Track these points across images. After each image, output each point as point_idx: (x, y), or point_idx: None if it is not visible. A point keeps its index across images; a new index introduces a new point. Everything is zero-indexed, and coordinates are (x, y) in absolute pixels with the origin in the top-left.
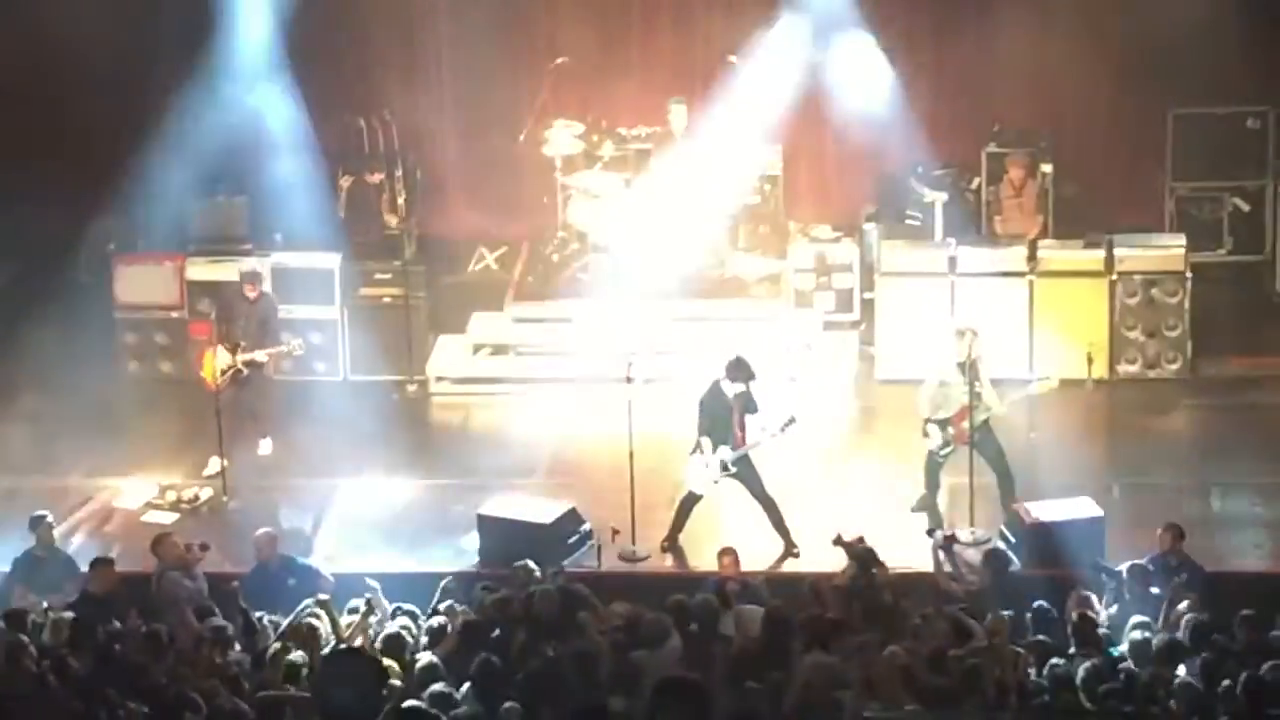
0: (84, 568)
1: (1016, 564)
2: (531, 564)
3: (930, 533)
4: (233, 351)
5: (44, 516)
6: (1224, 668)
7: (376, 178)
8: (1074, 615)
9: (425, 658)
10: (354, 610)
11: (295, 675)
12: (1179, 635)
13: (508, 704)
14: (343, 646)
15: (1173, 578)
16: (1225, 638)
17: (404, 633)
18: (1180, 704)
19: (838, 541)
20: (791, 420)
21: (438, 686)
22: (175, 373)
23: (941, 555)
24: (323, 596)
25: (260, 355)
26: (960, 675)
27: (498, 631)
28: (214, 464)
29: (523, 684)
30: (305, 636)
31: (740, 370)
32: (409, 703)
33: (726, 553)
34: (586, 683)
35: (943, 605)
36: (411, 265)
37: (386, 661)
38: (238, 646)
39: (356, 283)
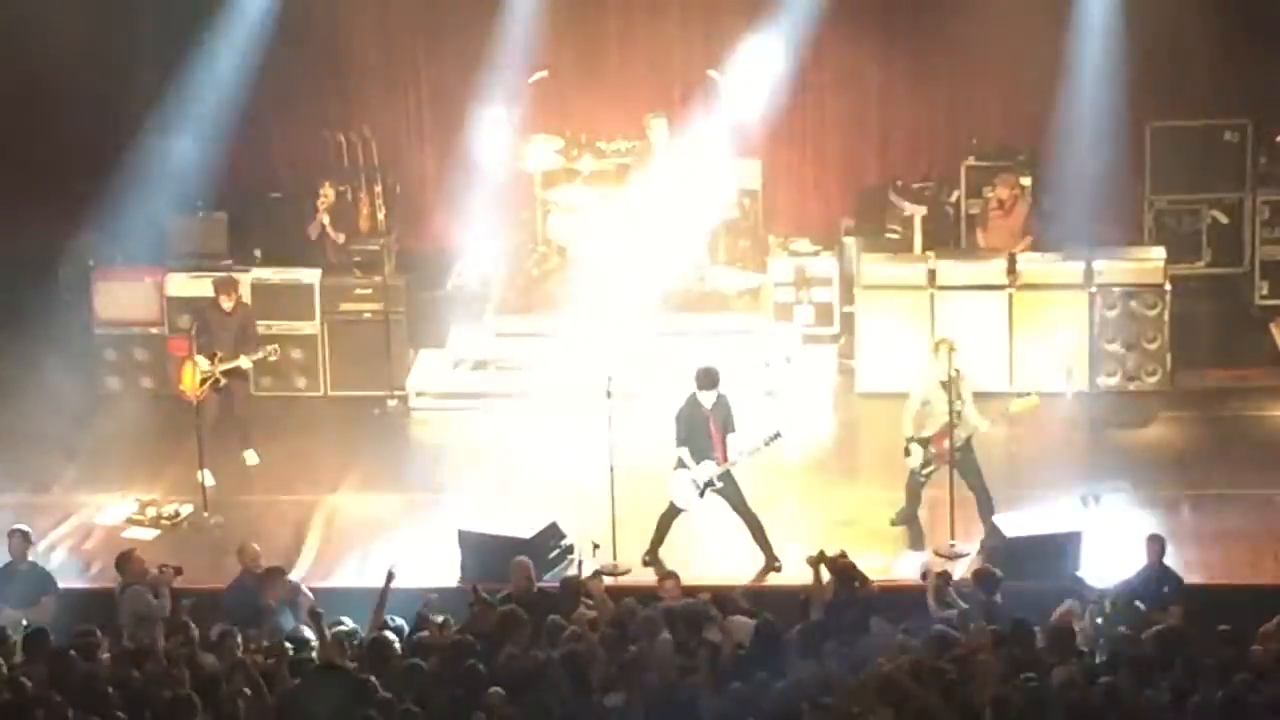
0: (61, 583)
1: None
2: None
3: (924, 576)
4: (211, 360)
5: (21, 530)
6: (1200, 681)
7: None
8: (1051, 628)
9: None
10: (339, 630)
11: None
12: (1158, 648)
13: (492, 689)
14: (322, 663)
15: (1156, 590)
16: (1202, 651)
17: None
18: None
19: (820, 557)
20: (777, 435)
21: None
22: (155, 389)
23: (934, 594)
24: (318, 609)
25: (244, 362)
26: (941, 687)
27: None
28: (208, 477)
29: (512, 685)
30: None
31: (709, 378)
32: None
33: (669, 576)
34: (578, 683)
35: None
36: (391, 280)
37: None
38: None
39: (336, 298)
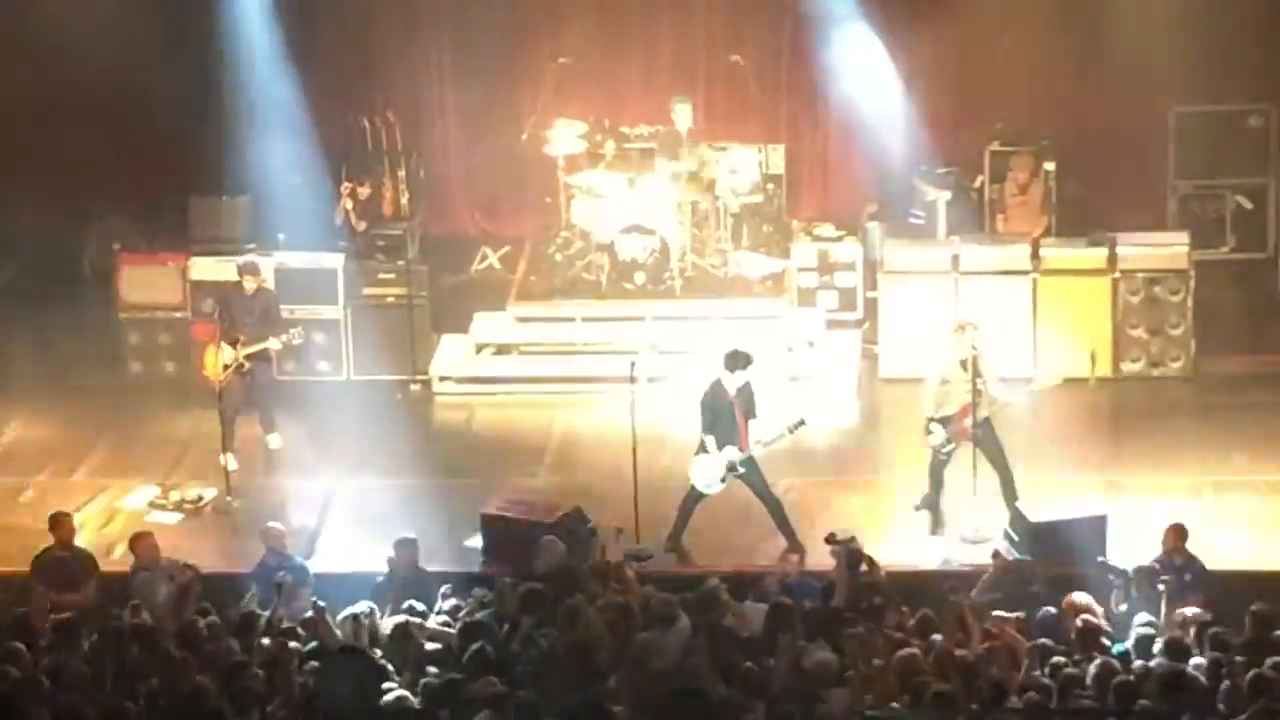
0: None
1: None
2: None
3: (994, 555)
4: (234, 346)
5: (65, 515)
6: (1228, 665)
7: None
8: (1078, 621)
9: (431, 646)
10: (358, 615)
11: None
12: (1182, 633)
13: (486, 677)
14: (343, 644)
15: (1178, 577)
16: (1229, 635)
17: (410, 627)
18: (1184, 701)
19: (830, 540)
20: (801, 423)
21: (435, 671)
22: (179, 373)
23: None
24: (320, 604)
25: (273, 343)
26: (958, 674)
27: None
28: (231, 461)
29: (521, 672)
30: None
31: (737, 360)
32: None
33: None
34: (584, 670)
35: (946, 603)
36: (414, 265)
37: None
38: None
39: (359, 282)
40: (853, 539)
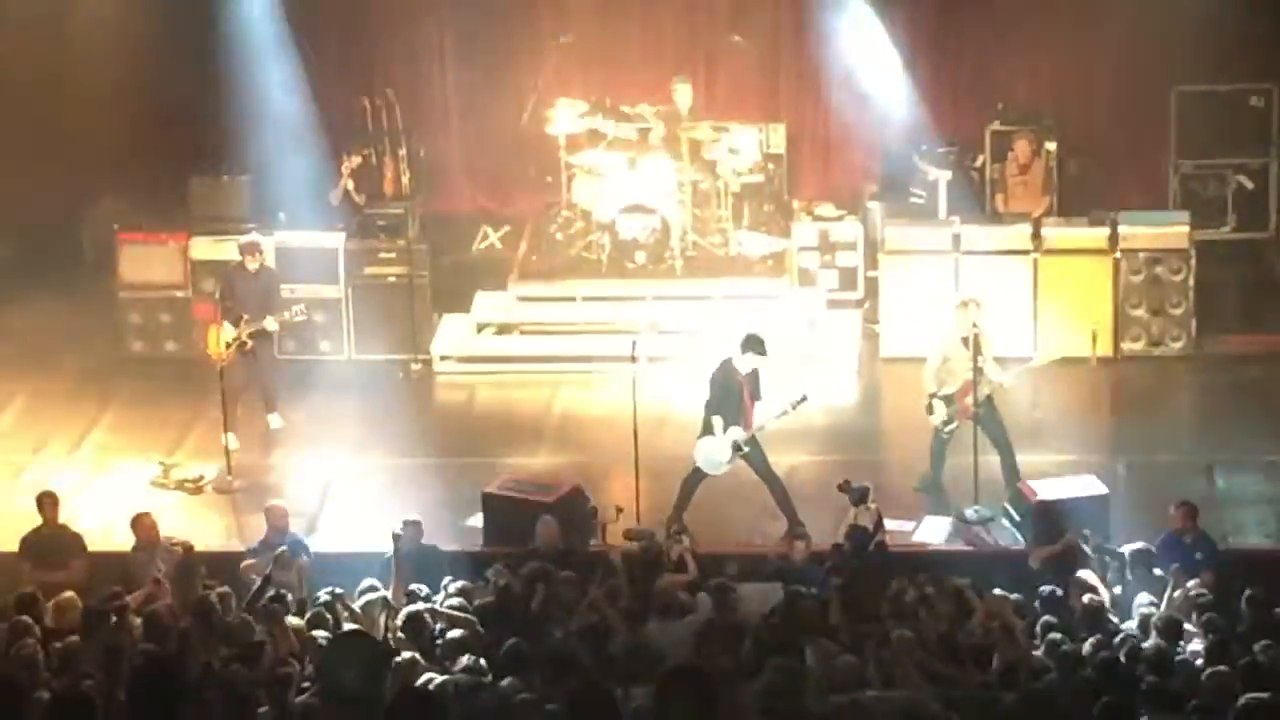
0: (90, 546)
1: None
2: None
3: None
4: (236, 325)
5: (51, 494)
6: (1226, 649)
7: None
8: (1081, 600)
9: (454, 632)
10: (367, 591)
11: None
12: (1184, 614)
13: (507, 679)
14: (348, 628)
15: (1186, 556)
16: (1225, 618)
17: (424, 614)
18: (1180, 681)
19: (843, 487)
20: (804, 398)
21: (466, 660)
22: (179, 352)
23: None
24: (338, 591)
25: (270, 324)
26: (965, 657)
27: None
28: (232, 440)
29: (539, 663)
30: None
31: (755, 344)
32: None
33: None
34: (598, 660)
35: (945, 581)
36: (415, 244)
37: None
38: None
39: (360, 262)
40: (867, 488)
